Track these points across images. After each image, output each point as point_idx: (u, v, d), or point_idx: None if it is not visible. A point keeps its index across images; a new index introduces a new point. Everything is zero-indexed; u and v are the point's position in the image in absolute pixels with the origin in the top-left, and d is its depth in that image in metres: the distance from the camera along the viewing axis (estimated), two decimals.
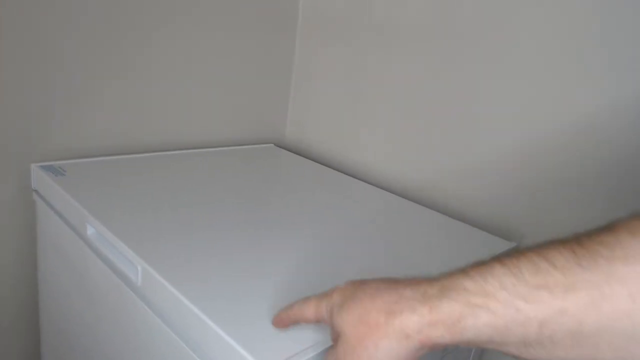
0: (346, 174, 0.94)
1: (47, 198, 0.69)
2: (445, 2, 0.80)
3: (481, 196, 0.80)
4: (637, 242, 0.26)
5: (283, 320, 0.41)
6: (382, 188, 0.87)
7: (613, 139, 0.65)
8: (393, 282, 0.35)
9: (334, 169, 0.96)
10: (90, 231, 0.59)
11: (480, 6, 0.76)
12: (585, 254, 0.27)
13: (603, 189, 0.66)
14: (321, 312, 0.37)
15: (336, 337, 0.36)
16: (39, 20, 0.71)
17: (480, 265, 0.31)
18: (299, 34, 1.07)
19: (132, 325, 0.55)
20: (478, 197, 0.81)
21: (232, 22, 0.94)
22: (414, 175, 0.89)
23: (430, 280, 0.33)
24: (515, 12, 0.72)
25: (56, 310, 0.74)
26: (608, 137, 0.65)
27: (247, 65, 1.00)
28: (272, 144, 1.09)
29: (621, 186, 0.64)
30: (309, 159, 1.02)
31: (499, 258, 0.30)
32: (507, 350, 0.30)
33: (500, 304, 0.29)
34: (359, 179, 0.92)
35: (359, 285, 0.36)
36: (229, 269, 0.52)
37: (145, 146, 0.89)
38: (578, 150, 0.68)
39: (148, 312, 0.51)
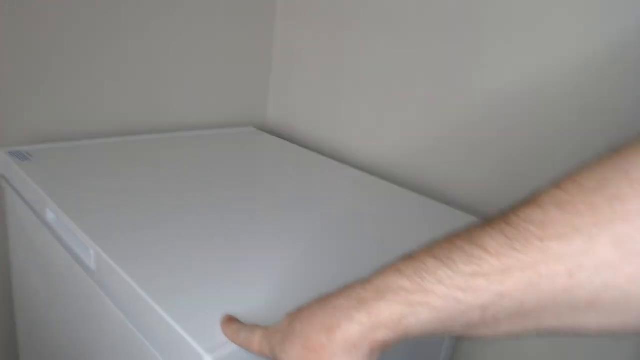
0: (330, 157, 0.92)
1: (13, 183, 0.69)
2: None
3: (462, 174, 0.79)
4: (567, 217, 0.26)
5: (228, 337, 0.40)
6: (368, 172, 0.86)
7: (587, 107, 0.63)
8: (326, 297, 0.33)
9: (317, 152, 0.95)
10: (50, 216, 0.59)
11: None
12: (517, 235, 0.27)
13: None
14: (264, 350, 0.36)
15: None
16: (5, 4, 0.70)
17: (411, 260, 0.30)
18: (278, 12, 1.05)
19: (89, 309, 0.54)
20: (460, 176, 0.79)
21: (209, 1, 0.93)
22: (399, 156, 0.88)
23: (362, 282, 0.31)
24: None
25: (27, 296, 0.74)
26: (581, 105, 0.63)
27: (225, 46, 0.99)
28: (253, 127, 1.08)
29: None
30: (292, 142, 1.00)
31: (430, 250, 0.29)
32: (452, 334, 0.30)
33: (440, 298, 0.28)
34: (344, 162, 0.90)
35: (295, 316, 0.34)
36: (187, 257, 0.51)
37: (119, 130, 0.89)
38: (548, 121, 0.66)
39: (102, 296, 0.50)
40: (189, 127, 0.98)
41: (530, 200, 0.28)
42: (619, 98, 0.61)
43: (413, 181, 0.85)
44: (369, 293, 0.30)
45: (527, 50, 0.68)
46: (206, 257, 0.51)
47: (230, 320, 0.41)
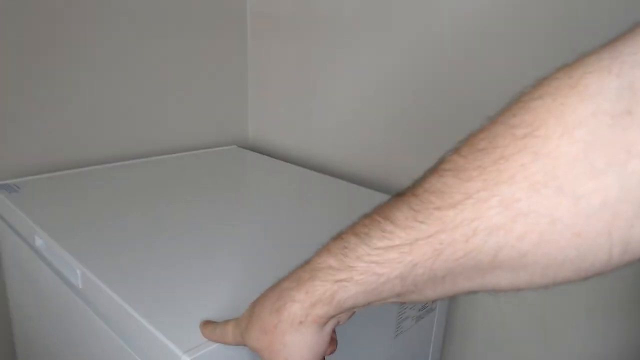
0: (314, 170, 0.95)
1: (3, 215, 0.72)
2: (382, 3, 0.83)
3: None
4: (460, 183, 0.26)
5: (206, 337, 0.43)
6: (351, 181, 0.88)
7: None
8: (279, 280, 0.36)
9: (301, 166, 0.98)
10: (38, 242, 0.62)
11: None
12: (421, 207, 0.28)
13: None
14: (237, 339, 0.39)
15: (259, 356, 0.37)
16: None
17: (339, 239, 0.32)
18: (249, 32, 1.09)
19: (77, 324, 0.58)
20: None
21: (183, 27, 0.97)
22: (373, 162, 0.92)
23: (304, 264, 0.34)
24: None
25: (23, 320, 0.77)
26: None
27: (202, 68, 1.03)
28: (235, 146, 1.11)
29: None
30: (272, 157, 1.04)
31: (354, 228, 0.32)
32: (387, 302, 0.32)
33: (361, 274, 0.30)
34: (326, 173, 0.93)
35: (255, 302, 0.37)
36: (166, 271, 0.54)
37: (103, 158, 0.92)
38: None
39: (88, 311, 0.54)
40: (173, 151, 1.02)
41: (435, 168, 0.28)
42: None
43: (394, 186, 0.89)
44: (306, 273, 0.33)
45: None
46: (184, 269, 0.55)
47: (207, 322, 0.44)
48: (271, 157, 1.03)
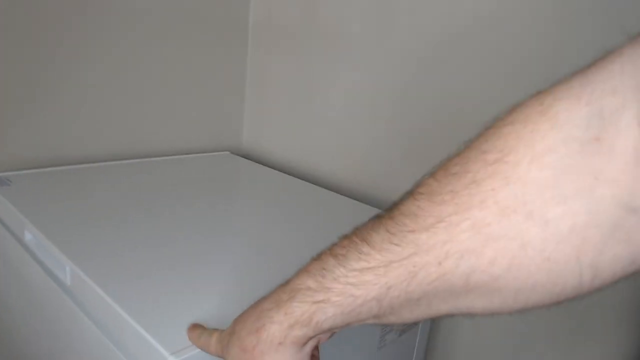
0: (305, 180, 0.96)
1: None
2: (381, 19, 0.85)
3: None
4: (433, 207, 0.27)
5: (191, 341, 0.43)
6: (343, 194, 0.89)
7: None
8: (260, 300, 0.36)
9: (293, 175, 0.98)
10: (27, 237, 0.62)
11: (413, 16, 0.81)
12: (396, 229, 0.28)
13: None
14: (218, 351, 0.39)
15: None
16: None
17: (318, 260, 0.32)
18: (250, 41, 1.10)
19: (63, 321, 0.58)
20: None
21: (184, 31, 0.98)
22: (366, 175, 0.93)
23: (283, 285, 0.34)
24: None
25: (4, 315, 0.76)
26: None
27: (200, 72, 1.04)
28: (228, 152, 1.12)
29: None
30: (267, 166, 1.05)
31: (332, 249, 0.32)
32: (365, 323, 0.32)
33: (338, 295, 0.30)
34: (317, 185, 0.94)
35: (237, 320, 0.37)
36: (155, 271, 0.55)
37: (97, 156, 0.92)
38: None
39: (75, 309, 0.54)
40: (167, 153, 1.02)
41: (411, 192, 0.29)
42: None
43: (385, 199, 0.90)
44: (285, 294, 0.33)
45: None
46: (172, 271, 0.55)
47: (195, 326, 0.44)
48: (263, 165, 1.04)
